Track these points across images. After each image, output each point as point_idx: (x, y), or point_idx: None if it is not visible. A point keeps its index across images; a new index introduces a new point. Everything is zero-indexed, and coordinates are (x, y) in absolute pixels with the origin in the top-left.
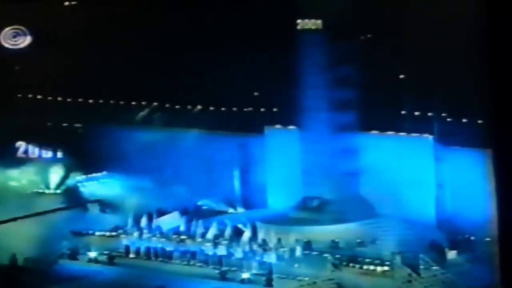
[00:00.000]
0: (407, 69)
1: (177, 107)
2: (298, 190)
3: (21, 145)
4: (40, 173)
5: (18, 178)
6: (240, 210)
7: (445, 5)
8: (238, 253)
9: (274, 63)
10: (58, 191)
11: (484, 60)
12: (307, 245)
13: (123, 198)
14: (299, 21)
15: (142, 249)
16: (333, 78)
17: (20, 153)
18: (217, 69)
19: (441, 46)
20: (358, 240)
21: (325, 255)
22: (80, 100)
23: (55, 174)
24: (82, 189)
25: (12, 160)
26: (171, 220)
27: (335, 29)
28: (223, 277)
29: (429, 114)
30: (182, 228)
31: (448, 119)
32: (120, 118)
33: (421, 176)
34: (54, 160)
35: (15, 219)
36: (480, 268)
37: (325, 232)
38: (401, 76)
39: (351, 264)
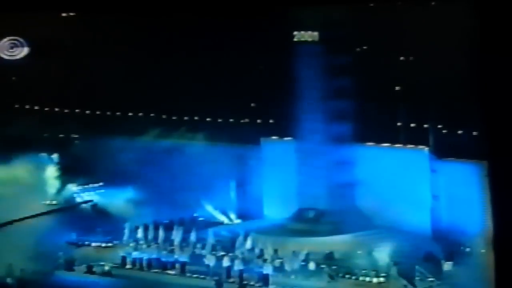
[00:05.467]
0: (402, 81)
1: (173, 118)
2: (294, 201)
3: (18, 156)
4: (37, 184)
5: (14, 188)
6: (236, 221)
7: (440, 17)
8: (234, 264)
9: (270, 75)
10: (54, 202)
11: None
12: (303, 256)
13: (120, 209)
14: (295, 33)
15: (138, 260)
16: (330, 90)
17: (16, 163)
18: (214, 81)
19: (437, 58)
20: (354, 252)
21: (321, 266)
22: (77, 111)
23: (52, 185)
24: (78, 200)
25: (8, 170)
26: None
27: (332, 41)
28: None
29: (425, 125)
30: (178, 239)
31: (444, 131)
32: (117, 129)
33: (417, 188)
34: (51, 171)
35: (10, 223)
36: (476, 280)
37: (321, 244)
38: (397, 88)
39: (347, 276)
